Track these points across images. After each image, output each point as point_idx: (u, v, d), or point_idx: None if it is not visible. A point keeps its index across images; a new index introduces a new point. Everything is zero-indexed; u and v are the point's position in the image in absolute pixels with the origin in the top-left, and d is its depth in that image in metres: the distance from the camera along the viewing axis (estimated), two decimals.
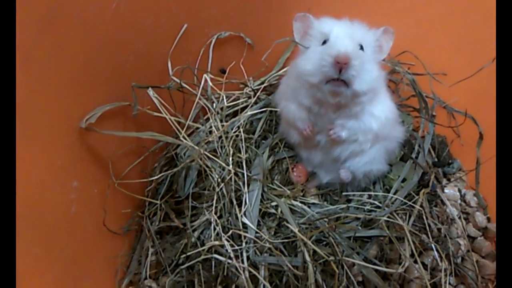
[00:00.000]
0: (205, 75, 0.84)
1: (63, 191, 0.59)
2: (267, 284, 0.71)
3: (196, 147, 0.76)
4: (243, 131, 0.89)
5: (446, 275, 0.75)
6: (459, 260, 0.79)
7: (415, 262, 0.74)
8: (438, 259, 0.76)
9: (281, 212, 0.78)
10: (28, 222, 0.51)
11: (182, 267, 0.76)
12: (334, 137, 0.76)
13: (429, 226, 0.79)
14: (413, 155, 0.85)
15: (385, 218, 0.76)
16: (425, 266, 0.77)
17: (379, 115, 0.75)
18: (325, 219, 0.77)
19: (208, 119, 0.89)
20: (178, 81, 0.80)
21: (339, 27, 0.72)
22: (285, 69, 0.99)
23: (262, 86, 0.98)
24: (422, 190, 0.80)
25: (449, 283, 0.76)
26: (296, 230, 0.73)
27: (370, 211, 0.81)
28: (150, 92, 0.75)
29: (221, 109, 0.92)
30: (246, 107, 0.97)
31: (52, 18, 0.56)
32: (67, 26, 0.60)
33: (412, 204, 0.78)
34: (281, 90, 0.86)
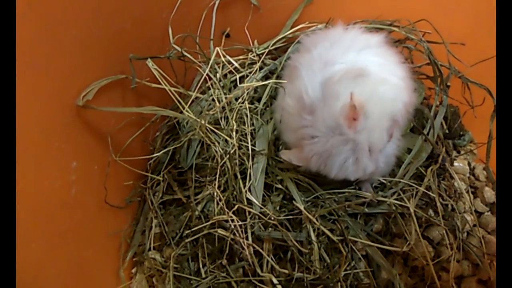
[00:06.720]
0: (217, 48, 0.78)
1: (62, 175, 0.57)
2: (271, 261, 0.72)
3: (198, 120, 0.73)
4: (248, 99, 0.86)
5: (452, 251, 0.74)
6: (464, 235, 0.79)
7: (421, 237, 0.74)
8: (444, 234, 0.75)
9: (286, 187, 0.77)
10: (27, 212, 0.49)
11: (187, 240, 0.76)
12: None
13: (436, 203, 0.77)
14: (424, 130, 0.82)
15: (391, 200, 0.74)
16: (430, 241, 0.77)
17: None
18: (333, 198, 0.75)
19: (210, 87, 0.85)
20: (179, 49, 0.75)
21: None
22: (291, 30, 0.93)
23: (267, 50, 0.93)
24: (430, 168, 0.78)
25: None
26: (302, 208, 0.72)
27: (376, 187, 0.79)
28: (150, 63, 0.71)
29: (225, 76, 0.88)
30: (251, 73, 0.92)
31: None
32: None
33: (419, 187, 0.76)
34: None
